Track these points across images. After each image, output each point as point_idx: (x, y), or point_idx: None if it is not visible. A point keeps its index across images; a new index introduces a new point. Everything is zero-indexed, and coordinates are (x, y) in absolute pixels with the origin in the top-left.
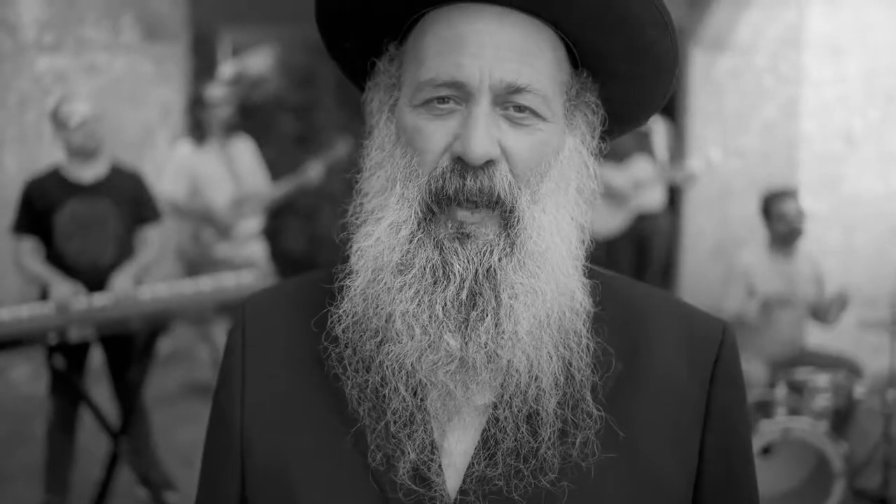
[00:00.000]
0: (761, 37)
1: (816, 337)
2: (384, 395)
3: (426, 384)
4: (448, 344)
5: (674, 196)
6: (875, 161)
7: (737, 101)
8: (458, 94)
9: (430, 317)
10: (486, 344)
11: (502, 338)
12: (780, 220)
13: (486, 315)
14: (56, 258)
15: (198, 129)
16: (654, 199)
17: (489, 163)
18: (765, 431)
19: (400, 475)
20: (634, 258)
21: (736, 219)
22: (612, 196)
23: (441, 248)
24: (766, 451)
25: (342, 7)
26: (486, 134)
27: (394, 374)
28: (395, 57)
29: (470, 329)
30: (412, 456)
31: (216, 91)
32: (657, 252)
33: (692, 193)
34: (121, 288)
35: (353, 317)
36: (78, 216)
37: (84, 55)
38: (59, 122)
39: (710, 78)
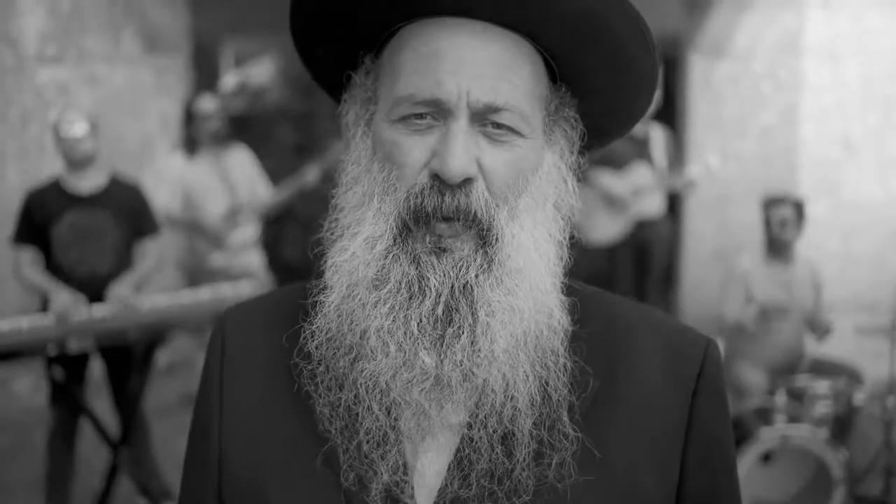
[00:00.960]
0: (760, 43)
1: (816, 343)
2: (357, 414)
3: (400, 403)
4: (423, 361)
5: (673, 202)
6: (874, 166)
7: (736, 107)
8: (435, 111)
9: (406, 333)
10: (461, 362)
11: (478, 356)
12: (773, 226)
13: (462, 332)
14: (55, 269)
15: (190, 141)
16: (653, 205)
17: (466, 181)
18: (764, 439)
19: (372, 496)
20: (635, 265)
21: (736, 224)
22: (611, 203)
23: (418, 262)
24: (767, 458)
25: (317, 19)
26: (463, 152)
27: (367, 391)
28: (370, 70)
29: (445, 346)
30: (385, 477)
31: (205, 104)
32: (657, 259)
33: (692, 199)
34: (118, 297)
35: (326, 333)
36: (76, 227)
37: (85, 67)
38: (56, 132)
39: (708, 84)
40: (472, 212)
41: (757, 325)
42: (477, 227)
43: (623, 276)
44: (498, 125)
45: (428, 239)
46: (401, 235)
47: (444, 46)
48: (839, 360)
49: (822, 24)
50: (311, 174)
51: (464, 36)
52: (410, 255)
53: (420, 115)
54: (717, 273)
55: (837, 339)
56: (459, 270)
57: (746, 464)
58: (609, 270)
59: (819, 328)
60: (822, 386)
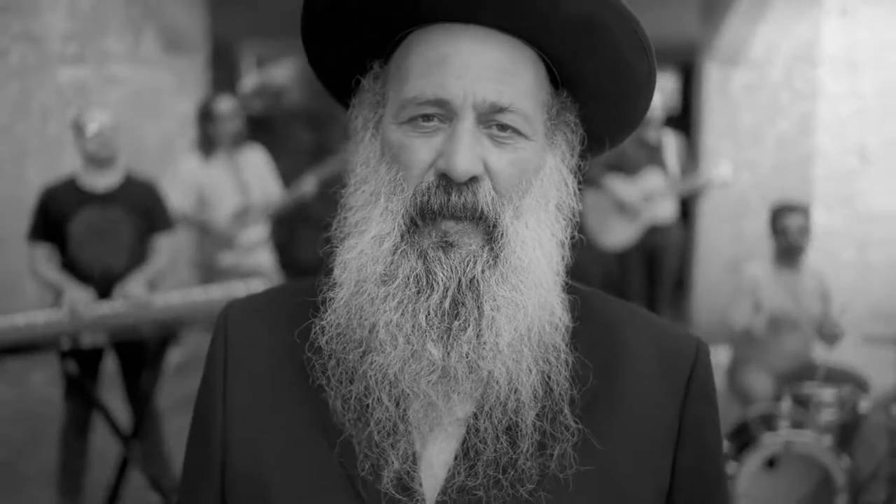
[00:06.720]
0: (776, 51)
1: (825, 351)
2: (367, 406)
3: (408, 394)
4: (430, 353)
5: (686, 209)
6: (890, 177)
7: (751, 116)
8: (442, 113)
9: (414, 326)
10: (467, 354)
11: (483, 349)
12: (782, 235)
13: (468, 325)
14: (70, 265)
15: (206, 141)
16: (664, 211)
17: (473, 179)
18: (767, 444)
19: (384, 484)
20: (646, 271)
21: (750, 233)
22: (623, 209)
23: (425, 257)
24: (771, 464)
25: (327, 27)
26: (470, 151)
27: (377, 383)
28: (379, 75)
29: (452, 338)
30: (395, 465)
31: (224, 105)
32: (668, 264)
33: (706, 207)
34: (130, 293)
35: (336, 328)
36: (91, 224)
37: (106, 67)
38: (77, 130)
39: (724, 93)
40: (479, 209)
41: (766, 333)
42: (483, 225)
43: (634, 280)
44: (502, 127)
45: (434, 235)
46: (409, 232)
47: (450, 51)
48: (846, 367)
49: (839, 34)
50: (308, 185)
51: (468, 41)
52: (418, 250)
53: (427, 118)
54: (730, 282)
55: (845, 347)
56: (466, 265)
57: (750, 469)
58: (620, 275)
59: (828, 336)
60: (827, 393)
